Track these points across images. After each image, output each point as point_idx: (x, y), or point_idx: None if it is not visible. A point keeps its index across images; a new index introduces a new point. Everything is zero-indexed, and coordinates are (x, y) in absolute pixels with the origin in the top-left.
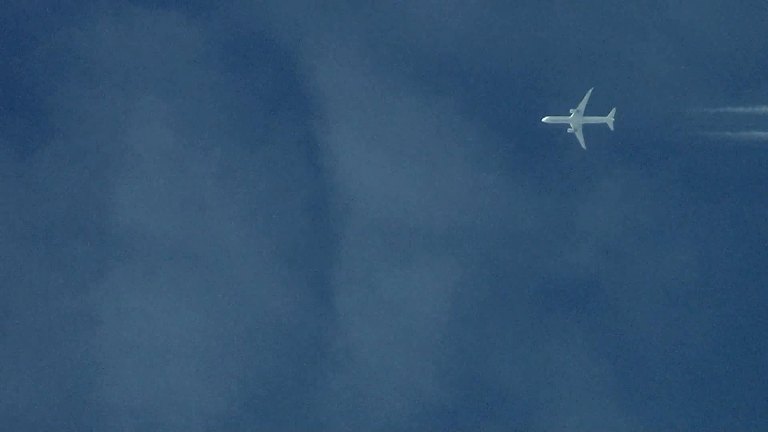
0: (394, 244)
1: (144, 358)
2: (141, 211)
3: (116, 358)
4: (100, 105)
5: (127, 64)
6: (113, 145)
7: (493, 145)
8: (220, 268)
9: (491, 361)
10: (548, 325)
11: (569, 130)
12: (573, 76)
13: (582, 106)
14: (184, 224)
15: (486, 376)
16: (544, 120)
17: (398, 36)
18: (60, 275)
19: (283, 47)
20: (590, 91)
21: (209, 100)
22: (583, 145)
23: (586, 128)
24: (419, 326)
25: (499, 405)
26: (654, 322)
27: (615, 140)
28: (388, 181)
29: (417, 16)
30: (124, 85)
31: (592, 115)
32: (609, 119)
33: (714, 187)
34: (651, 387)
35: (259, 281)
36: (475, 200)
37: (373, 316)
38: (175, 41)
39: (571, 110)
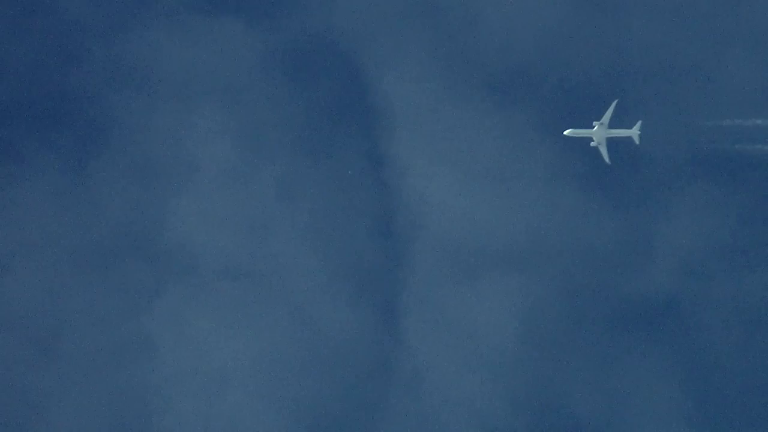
0: (462, 263)
1: (202, 383)
2: (199, 229)
3: (172, 383)
4: (156, 117)
5: (184, 74)
6: (170, 158)
7: (567, 159)
8: (282, 289)
9: (564, 385)
10: (624, 348)
11: (592, 144)
12: (651, 87)
13: (606, 118)
14: (244, 242)
15: (559, 400)
16: (566, 133)
17: (469, 45)
18: (113, 296)
19: (348, 56)
20: (615, 102)
21: (270, 111)
22: (607, 160)
23: (613, 142)
24: (489, 348)
25: (572, 430)
26: (736, 345)
27: (695, 153)
28: (457, 197)
29: (489, 25)
30: (181, 96)
31: (619, 128)
32: (634, 132)
33: None
34: (732, 413)
35: (323, 302)
36: (547, 217)
37: (440, 338)
38: (234, 50)
39: (594, 123)
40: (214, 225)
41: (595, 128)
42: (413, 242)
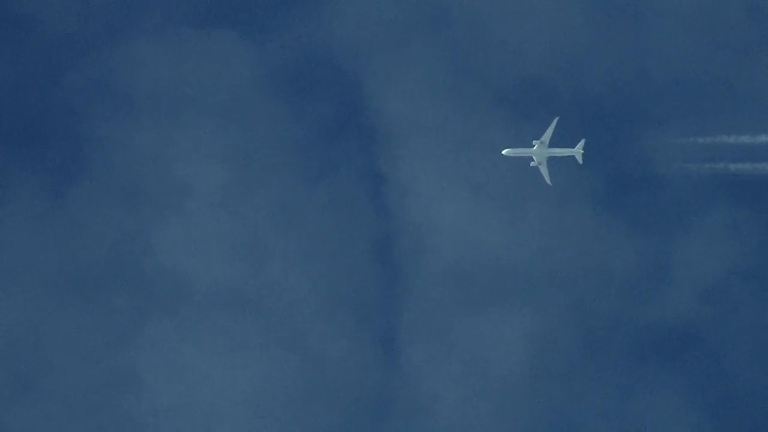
0: (468, 290)
1: (192, 419)
2: (188, 255)
3: (161, 418)
4: (143, 136)
5: (172, 91)
6: (157, 180)
7: (582, 179)
8: (276, 318)
9: (579, 419)
10: (642, 378)
11: (532, 164)
12: (672, 100)
13: (546, 137)
14: (236, 269)
15: None
16: (504, 153)
17: (475, 58)
18: (97, 327)
19: (347, 71)
20: (556, 120)
21: (264, 130)
22: (548, 181)
23: (553, 161)
24: (497, 380)
25: None
26: (760, 373)
27: (716, 174)
28: (462, 219)
29: (496, 36)
30: (169, 114)
31: (564, 147)
32: (577, 151)
33: None
34: None
35: (320, 332)
36: (559, 240)
37: (445, 369)
38: (226, 65)
39: (534, 141)
40: (204, 250)
41: (535, 147)
42: (416, 268)
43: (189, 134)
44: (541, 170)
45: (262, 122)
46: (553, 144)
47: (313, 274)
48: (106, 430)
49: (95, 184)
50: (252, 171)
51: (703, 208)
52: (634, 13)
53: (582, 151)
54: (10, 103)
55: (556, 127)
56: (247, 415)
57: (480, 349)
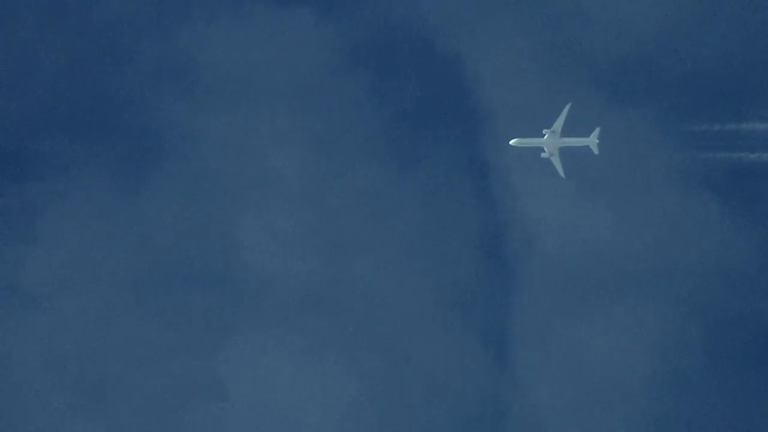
0: (583, 288)
1: (280, 430)
2: (272, 251)
3: (246, 430)
4: (219, 123)
5: (250, 74)
6: (236, 171)
7: (703, 165)
8: (371, 320)
9: (704, 428)
10: None
11: (543, 155)
12: None
13: (558, 125)
14: (325, 267)
15: None
16: (511, 143)
17: (578, 34)
18: (175, 331)
19: (440, 49)
20: (568, 106)
21: (351, 115)
22: (562, 173)
23: (565, 152)
24: (615, 387)
25: None
26: None
27: None
28: (574, 210)
29: (600, 14)
30: (248, 99)
31: (581, 137)
32: (592, 141)
33: None
34: None
35: (419, 335)
36: (679, 232)
37: (559, 374)
38: (307, 44)
39: (544, 131)
40: (289, 247)
41: (546, 137)
42: (524, 264)
43: (269, 121)
44: (553, 161)
45: (349, 107)
46: (571, 133)
47: (411, 272)
48: None
49: (169, 176)
50: (339, 159)
51: None
52: None
53: (597, 141)
54: (76, 90)
55: (673, 110)
56: (339, 426)
57: (596, 352)
